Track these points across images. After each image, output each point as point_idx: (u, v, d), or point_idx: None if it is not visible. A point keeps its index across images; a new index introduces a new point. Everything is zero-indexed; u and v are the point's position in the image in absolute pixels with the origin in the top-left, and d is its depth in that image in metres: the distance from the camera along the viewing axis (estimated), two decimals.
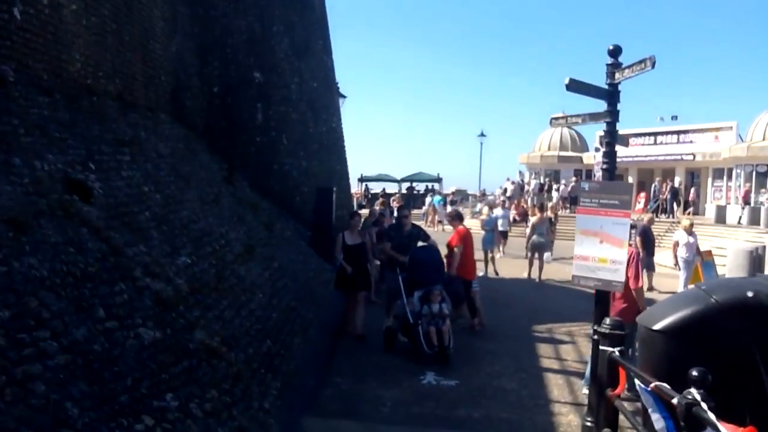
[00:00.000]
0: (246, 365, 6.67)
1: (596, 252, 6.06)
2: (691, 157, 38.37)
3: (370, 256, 10.78)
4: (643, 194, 36.17)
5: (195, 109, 13.08)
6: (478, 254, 15.85)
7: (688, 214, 31.74)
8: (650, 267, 15.08)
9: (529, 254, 17.10)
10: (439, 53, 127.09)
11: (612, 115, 6.40)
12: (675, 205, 34.33)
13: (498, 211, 20.52)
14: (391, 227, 10.86)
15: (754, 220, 30.07)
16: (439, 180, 50.21)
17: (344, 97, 23.31)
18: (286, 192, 13.98)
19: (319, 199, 13.28)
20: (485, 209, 20.20)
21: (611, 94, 6.39)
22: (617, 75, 6.33)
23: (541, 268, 16.83)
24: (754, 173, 34.78)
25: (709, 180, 38.73)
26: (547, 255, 17.91)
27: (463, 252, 10.56)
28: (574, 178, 40.01)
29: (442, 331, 8.79)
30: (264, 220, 11.62)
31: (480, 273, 16.65)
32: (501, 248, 20.26)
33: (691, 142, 39.38)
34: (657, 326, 4.95)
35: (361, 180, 51.36)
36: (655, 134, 41.59)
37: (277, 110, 14.10)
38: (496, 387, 8.05)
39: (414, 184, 50.82)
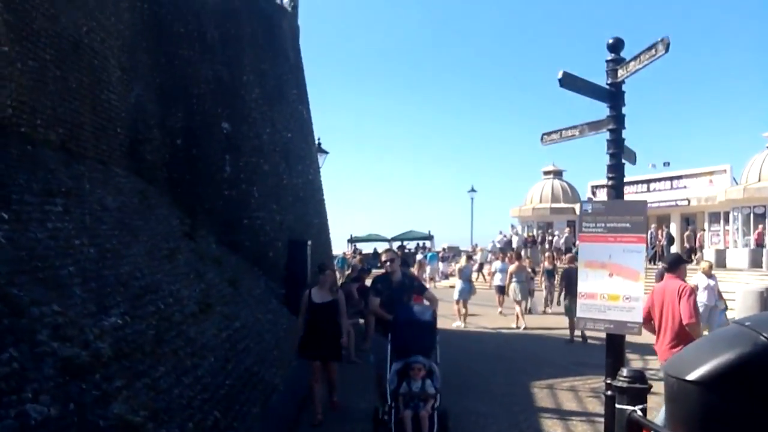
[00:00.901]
0: None
1: (605, 288, 4.96)
2: (686, 203, 37.58)
3: (343, 319, 8.41)
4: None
5: (155, 162, 12.11)
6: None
7: (697, 260, 30.67)
8: None
9: (516, 305, 16.99)
10: (426, 110, 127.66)
11: (616, 121, 5.38)
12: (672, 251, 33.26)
13: (497, 265, 19.54)
14: (377, 279, 8.13)
15: (756, 263, 29.02)
16: (430, 237, 49.21)
17: (326, 152, 22.55)
18: (257, 247, 12.90)
19: (292, 253, 12.20)
20: (463, 258, 19.59)
21: (614, 96, 5.39)
22: (620, 72, 5.35)
23: (523, 317, 16.72)
24: (751, 215, 33.92)
25: (706, 224, 37.84)
26: (530, 301, 18.18)
27: None
28: (567, 229, 39.16)
29: (421, 418, 6.45)
30: (228, 276, 10.50)
31: (455, 325, 16.75)
32: (499, 303, 19.09)
33: (684, 187, 38.65)
34: (692, 376, 3.79)
35: (351, 241, 50.41)
36: (648, 181, 40.89)
37: (247, 161, 13.16)
38: None
39: (405, 243, 49.69)
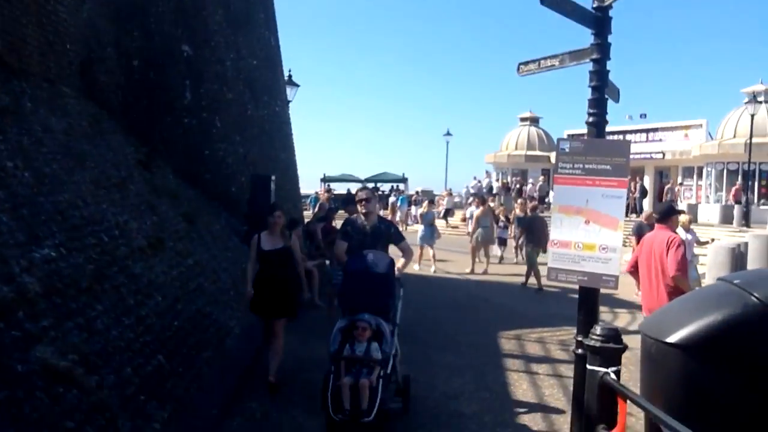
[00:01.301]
0: (116, 391, 4.97)
1: (580, 236, 4.48)
2: (660, 156, 37.48)
3: (299, 268, 7.24)
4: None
5: (109, 85, 11.31)
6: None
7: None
8: None
9: (476, 248, 17.08)
10: (404, 50, 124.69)
11: (600, 50, 4.79)
12: (645, 204, 33.24)
13: (473, 210, 18.80)
14: (348, 221, 6.86)
15: (727, 219, 29.06)
16: (404, 180, 48.73)
17: (296, 85, 21.69)
18: (219, 181, 12.26)
19: (255, 188, 11.58)
20: (425, 203, 19.16)
21: (600, 21, 4.79)
22: None
23: (488, 261, 17.08)
24: (724, 171, 33.92)
25: (679, 178, 37.83)
26: (495, 247, 17.99)
27: None
28: (542, 177, 38.95)
29: (360, 387, 5.25)
30: (184, 210, 9.90)
31: (416, 268, 16.26)
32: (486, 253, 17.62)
33: (660, 140, 38.52)
34: (673, 338, 3.41)
35: (324, 180, 49.75)
36: (624, 132, 40.49)
37: (209, 89, 12.38)
38: (453, 412, 6.45)
39: (379, 185, 49.15)
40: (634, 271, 7.09)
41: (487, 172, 44.66)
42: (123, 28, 11.51)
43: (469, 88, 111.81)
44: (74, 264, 5.95)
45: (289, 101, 21.56)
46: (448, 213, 34.17)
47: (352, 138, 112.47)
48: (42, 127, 7.98)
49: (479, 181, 38.18)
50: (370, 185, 49.59)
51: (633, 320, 11.44)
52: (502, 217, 18.83)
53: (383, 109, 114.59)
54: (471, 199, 29.18)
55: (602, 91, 4.81)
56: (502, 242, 18.80)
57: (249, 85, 13.12)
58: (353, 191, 40.69)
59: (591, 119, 4.85)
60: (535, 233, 14.35)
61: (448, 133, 44.95)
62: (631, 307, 12.54)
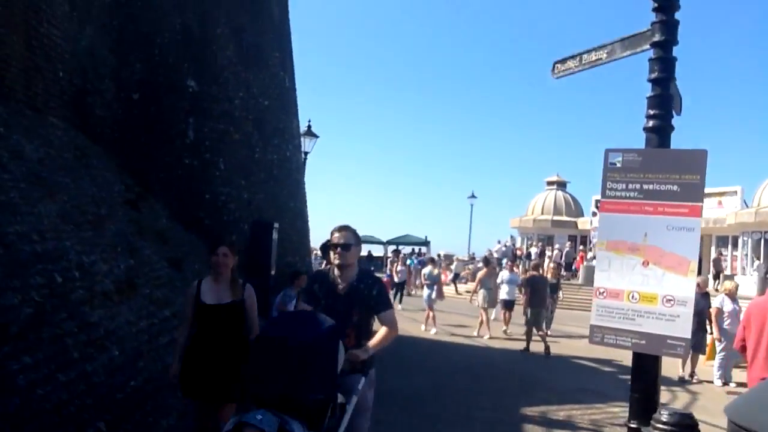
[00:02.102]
0: None
1: (637, 283, 3.32)
2: None
3: (252, 331, 4.91)
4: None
5: (105, 118, 10.51)
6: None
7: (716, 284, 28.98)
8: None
9: (482, 312, 16.14)
10: (428, 111, 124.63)
11: (665, 30, 3.65)
12: None
13: (504, 275, 17.02)
14: (316, 276, 5.02)
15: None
16: (426, 243, 47.53)
17: (316, 136, 21.01)
18: (218, 227, 11.24)
19: (255, 236, 10.56)
20: (428, 265, 18.45)
21: None
22: None
23: (488, 322, 16.08)
24: (762, 241, 32.30)
25: (713, 248, 36.21)
26: (495, 310, 17.09)
27: None
28: (568, 243, 37.60)
29: None
30: (171, 255, 8.86)
31: (430, 330, 15.99)
32: (505, 321, 16.69)
33: None
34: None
35: None
36: None
37: (214, 127, 11.52)
38: None
39: (400, 247, 48.04)
40: (741, 345, 5.72)
41: (511, 236, 43.47)
42: (124, 58, 10.78)
43: (494, 150, 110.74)
44: (7, 305, 4.89)
45: (306, 152, 20.88)
46: (456, 278, 33.03)
47: (374, 199, 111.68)
48: (10, 153, 7.09)
49: (504, 245, 36.89)
50: (392, 248, 48.64)
51: (673, 399, 10.04)
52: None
53: (407, 170, 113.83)
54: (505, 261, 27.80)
55: (667, 84, 3.66)
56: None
57: (258, 126, 12.26)
58: (374, 253, 39.40)
59: (651, 123, 3.66)
60: (536, 295, 13.88)
61: (473, 196, 43.93)
62: (673, 384, 11.15)
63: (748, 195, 35.02)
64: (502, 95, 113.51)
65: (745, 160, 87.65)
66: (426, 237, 48.77)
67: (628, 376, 11.42)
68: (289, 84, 13.64)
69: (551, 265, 19.18)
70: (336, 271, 4.38)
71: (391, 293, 18.12)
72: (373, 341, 4.23)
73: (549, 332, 16.20)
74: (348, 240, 4.38)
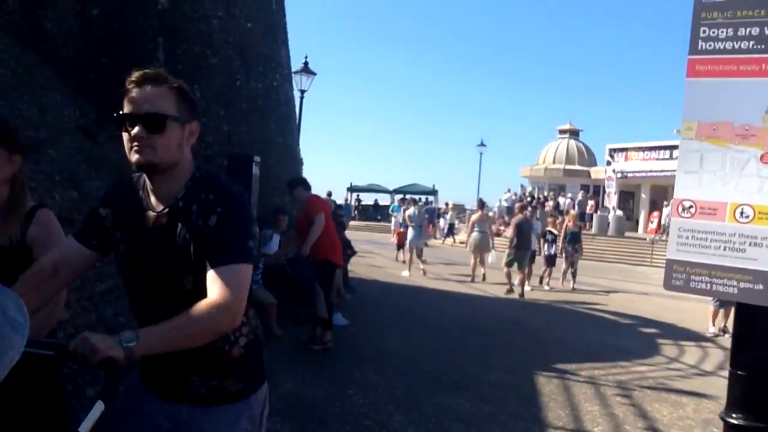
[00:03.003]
0: None
1: (749, 191, 2.01)
2: None
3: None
4: (656, 213, 32.22)
5: (59, 35, 9.12)
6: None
7: None
8: None
9: (471, 255, 15.92)
10: (438, 57, 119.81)
11: None
12: None
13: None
14: (110, 190, 2.35)
15: None
16: (434, 192, 46.12)
17: (313, 73, 19.57)
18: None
19: (232, 172, 9.23)
20: (411, 207, 17.88)
21: None
22: None
23: (483, 267, 15.76)
24: None
25: None
26: (491, 254, 16.13)
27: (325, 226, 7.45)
28: (581, 193, 36.21)
29: None
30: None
31: (404, 273, 15.91)
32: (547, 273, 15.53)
33: None
34: None
35: (351, 189, 47.56)
36: (671, 148, 37.67)
37: (188, 50, 10.11)
38: None
39: (407, 196, 46.74)
40: None
41: (522, 186, 42.10)
42: None
43: (505, 98, 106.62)
44: None
45: (303, 90, 19.46)
46: (451, 229, 31.82)
47: (381, 147, 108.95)
48: None
49: (514, 194, 35.57)
50: (398, 196, 47.30)
51: (704, 357, 8.86)
52: (551, 229, 15.66)
53: (414, 116, 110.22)
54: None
55: None
56: (551, 261, 15.34)
57: (240, 51, 10.85)
58: (381, 202, 38.01)
59: None
60: (522, 239, 13.45)
61: (482, 144, 42.34)
62: (700, 339, 9.99)
63: None
64: (514, 39, 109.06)
65: None
66: (434, 186, 47.39)
67: (653, 330, 10.16)
68: (276, 7, 12.15)
69: (572, 212, 17.63)
70: (145, 182, 2.13)
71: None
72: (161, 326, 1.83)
73: (575, 285, 15.04)
74: (159, 106, 2.00)
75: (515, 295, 13.44)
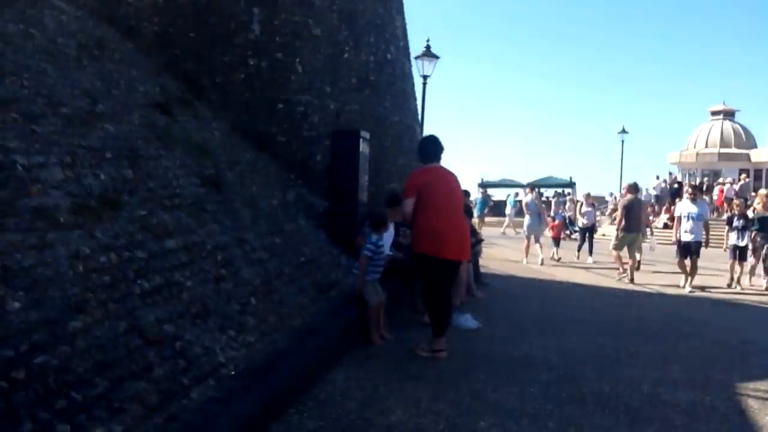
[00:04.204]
0: None
1: None
2: None
3: None
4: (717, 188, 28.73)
5: (143, 9, 8.20)
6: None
7: None
8: None
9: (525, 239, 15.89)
10: (572, 37, 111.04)
11: None
12: None
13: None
14: None
15: None
16: (572, 185, 43.18)
17: (436, 57, 18.09)
18: (297, 144, 8.77)
19: (336, 150, 7.92)
20: (528, 194, 17.17)
21: None
22: None
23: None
24: None
25: None
26: (650, 242, 14.92)
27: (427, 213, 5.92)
28: (743, 175, 32.33)
29: None
30: (209, 172, 6.40)
31: (523, 262, 15.38)
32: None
33: None
34: None
35: (482, 185, 45.54)
36: None
37: (288, 20, 8.94)
38: None
39: (542, 190, 44.16)
40: None
41: (670, 173, 38.42)
42: None
43: (647, 80, 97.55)
44: None
45: (425, 76, 18.01)
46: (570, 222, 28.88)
47: (514, 139, 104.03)
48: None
49: (664, 181, 32.34)
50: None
51: None
52: (743, 213, 12.31)
53: (549, 105, 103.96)
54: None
55: None
56: (743, 254, 12.01)
57: (347, 19, 9.55)
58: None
59: None
60: (631, 218, 12.57)
61: (624, 131, 39.00)
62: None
63: None
64: (655, 13, 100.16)
65: None
66: (571, 178, 44.45)
67: None
68: None
69: (763, 192, 14.61)
70: None
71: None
72: None
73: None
74: None
75: (626, 280, 12.45)
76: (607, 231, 24.13)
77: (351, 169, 7.73)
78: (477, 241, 10.12)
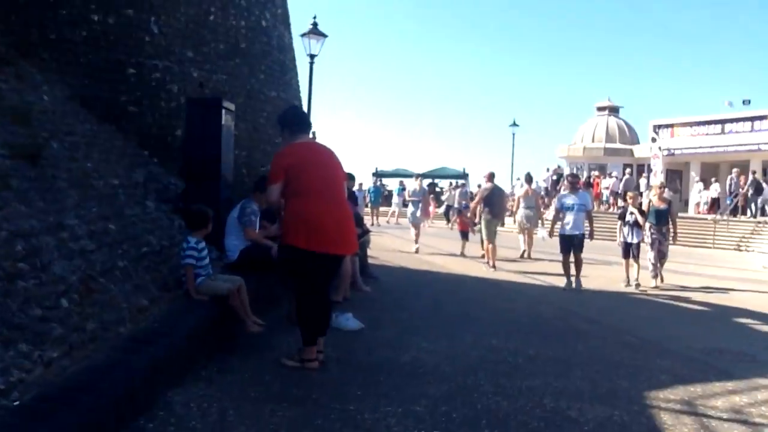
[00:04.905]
0: None
1: None
2: None
3: None
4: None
5: None
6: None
7: None
8: None
9: (521, 231, 15.57)
10: (466, 32, 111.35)
11: None
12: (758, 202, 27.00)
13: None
14: None
15: None
16: (465, 176, 43.19)
17: (324, 35, 16.98)
18: (152, 116, 7.49)
19: (194, 123, 6.73)
20: (414, 182, 17.79)
21: None
22: None
23: (530, 244, 15.11)
24: None
25: None
26: (541, 232, 14.78)
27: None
28: (628, 170, 33.26)
29: None
30: (26, 142, 5.09)
31: (413, 248, 15.12)
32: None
33: None
34: None
35: (376, 174, 44.90)
36: (723, 122, 34.47)
37: None
38: None
39: (436, 181, 44.02)
40: None
41: (558, 166, 39.11)
42: None
43: (537, 74, 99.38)
44: None
45: (312, 55, 16.89)
46: (448, 210, 29.04)
47: (406, 128, 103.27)
48: None
49: (554, 173, 32.79)
50: (427, 181, 44.58)
51: None
52: (632, 209, 10.99)
53: (443, 97, 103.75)
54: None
55: None
56: (636, 252, 10.95)
57: None
58: (410, 188, 35.45)
59: None
60: (493, 204, 12.76)
61: (515, 124, 39.39)
62: None
63: None
64: (544, 11, 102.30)
65: None
66: (464, 169, 44.53)
67: None
68: None
69: (656, 183, 14.01)
70: None
71: None
72: None
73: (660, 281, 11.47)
74: None
75: (488, 268, 12.44)
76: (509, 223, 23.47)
77: (211, 145, 6.55)
78: (363, 231, 9.16)
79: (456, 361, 5.39)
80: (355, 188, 32.43)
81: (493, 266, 12.45)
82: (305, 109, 16.45)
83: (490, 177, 13.17)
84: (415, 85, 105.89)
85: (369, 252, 11.44)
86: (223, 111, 6.64)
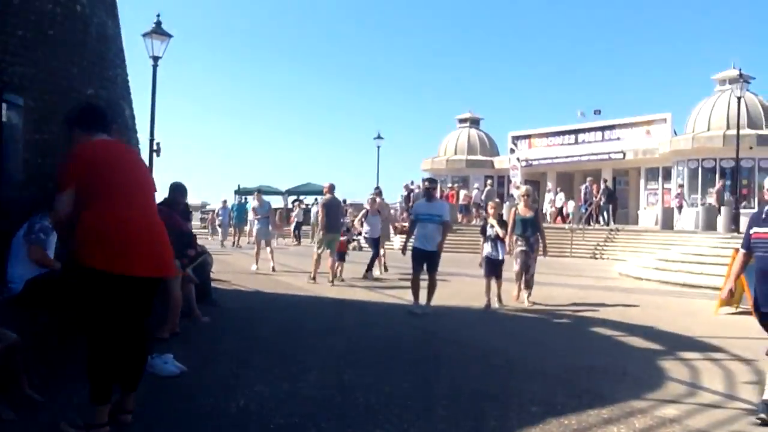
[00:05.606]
0: None
1: None
2: (620, 156, 32.80)
3: None
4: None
5: None
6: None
7: None
8: None
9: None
10: (325, 47, 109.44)
11: None
12: (611, 209, 28.17)
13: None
14: None
15: (710, 225, 24.26)
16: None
17: (168, 36, 15.57)
18: None
19: None
20: (255, 201, 17.00)
21: None
22: None
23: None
24: (699, 170, 29.31)
25: (642, 181, 33.22)
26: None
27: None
28: (489, 180, 33.82)
29: None
30: None
31: (253, 267, 14.96)
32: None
33: (618, 138, 33.98)
34: None
35: (238, 192, 43.27)
36: (576, 132, 36.02)
37: None
38: None
39: (302, 197, 42.94)
40: None
41: (412, 181, 39.27)
42: None
43: (400, 88, 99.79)
44: None
45: (156, 57, 15.39)
46: (299, 227, 30.64)
47: (271, 145, 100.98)
48: None
49: (418, 186, 32.61)
50: (292, 198, 43.36)
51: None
52: (491, 221, 10.04)
53: (305, 111, 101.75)
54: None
55: None
56: (497, 269, 10.02)
57: None
58: (274, 205, 34.23)
59: None
60: (331, 218, 12.77)
61: (379, 137, 39.17)
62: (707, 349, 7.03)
63: (678, 122, 32.05)
64: (403, 25, 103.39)
65: (674, 87, 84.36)
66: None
67: (637, 339, 6.19)
68: None
69: (522, 190, 13.46)
70: None
71: None
72: None
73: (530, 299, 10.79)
74: None
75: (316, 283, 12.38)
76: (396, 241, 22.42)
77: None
78: (199, 253, 7.97)
79: (293, 408, 4.41)
80: (219, 206, 31.18)
81: (314, 278, 12.70)
82: (148, 116, 15.01)
83: (329, 188, 13.31)
84: (280, 100, 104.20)
85: (217, 275, 10.28)
86: (4, 105, 5.32)
